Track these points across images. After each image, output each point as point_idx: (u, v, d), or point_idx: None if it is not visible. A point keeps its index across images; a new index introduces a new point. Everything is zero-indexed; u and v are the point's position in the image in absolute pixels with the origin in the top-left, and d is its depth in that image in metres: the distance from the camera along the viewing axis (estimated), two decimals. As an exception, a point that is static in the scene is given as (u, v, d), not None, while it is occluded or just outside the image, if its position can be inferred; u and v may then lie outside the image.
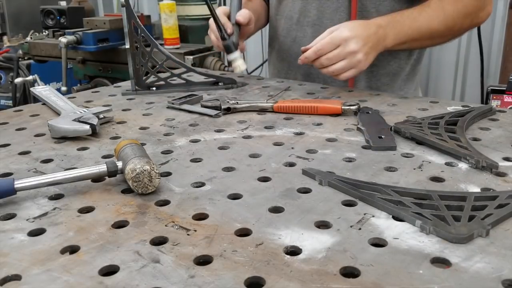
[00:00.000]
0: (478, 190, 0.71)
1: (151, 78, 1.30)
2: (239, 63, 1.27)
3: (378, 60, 1.36)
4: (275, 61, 1.55)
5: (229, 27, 1.28)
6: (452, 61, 3.34)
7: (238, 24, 1.30)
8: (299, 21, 1.40)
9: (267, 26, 1.60)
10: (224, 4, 3.68)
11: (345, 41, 1.13)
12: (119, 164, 0.73)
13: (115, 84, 1.45)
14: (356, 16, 1.30)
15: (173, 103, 1.14)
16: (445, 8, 1.22)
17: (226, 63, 2.75)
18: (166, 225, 0.62)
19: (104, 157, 0.86)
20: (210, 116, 1.08)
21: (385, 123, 0.97)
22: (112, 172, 0.73)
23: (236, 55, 1.27)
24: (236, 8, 1.32)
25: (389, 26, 1.19)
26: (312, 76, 1.43)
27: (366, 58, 1.15)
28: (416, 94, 1.49)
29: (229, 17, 1.32)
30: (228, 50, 1.27)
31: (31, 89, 1.30)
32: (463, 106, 1.09)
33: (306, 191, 0.71)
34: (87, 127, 0.94)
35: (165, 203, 0.69)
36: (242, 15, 1.29)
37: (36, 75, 3.14)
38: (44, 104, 1.19)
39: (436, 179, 0.74)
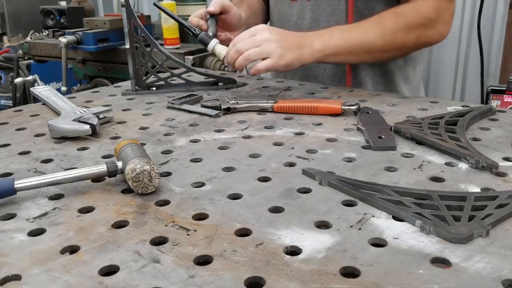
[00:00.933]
0: (478, 190, 0.71)
1: (151, 78, 1.30)
2: (218, 49, 1.24)
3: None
4: None
5: (202, 23, 1.28)
6: (452, 61, 3.34)
7: (213, 16, 1.30)
8: (297, 23, 1.41)
9: None
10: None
11: (260, 30, 1.15)
12: (119, 164, 0.73)
13: (115, 84, 1.45)
14: (352, 18, 1.30)
15: (173, 103, 1.14)
16: (383, 23, 1.18)
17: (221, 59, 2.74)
18: (166, 225, 0.62)
19: (104, 157, 0.86)
20: (210, 116, 1.08)
21: (385, 123, 0.97)
22: (112, 172, 0.73)
23: (212, 44, 1.24)
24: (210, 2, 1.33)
25: (315, 35, 1.18)
26: (309, 79, 1.43)
27: (282, 53, 1.12)
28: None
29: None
30: (203, 43, 1.26)
31: (31, 89, 1.30)
32: (463, 106, 1.10)
33: (306, 191, 0.71)
34: (87, 127, 0.94)
35: (165, 203, 0.69)
36: (213, 5, 1.29)
37: (36, 75, 3.14)
38: (44, 104, 1.19)
39: (436, 179, 0.74)
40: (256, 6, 1.52)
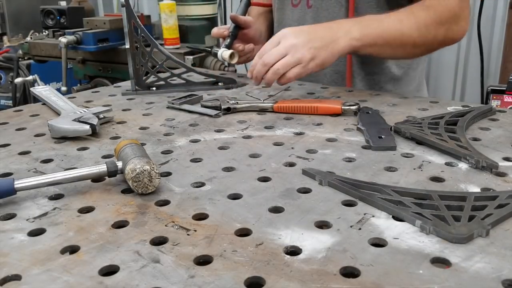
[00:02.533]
0: (478, 190, 0.71)
1: (151, 78, 1.30)
2: (223, 55, 1.30)
3: (376, 64, 1.36)
4: None
5: (223, 30, 1.36)
6: (452, 61, 3.34)
7: (235, 28, 1.35)
8: None
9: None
10: (224, 4, 3.68)
11: (283, 37, 1.08)
12: (119, 164, 0.73)
13: (115, 84, 1.45)
14: None
15: (173, 103, 1.14)
16: (416, 14, 1.14)
17: (226, 63, 2.75)
18: (166, 225, 0.62)
19: (104, 157, 0.86)
20: (210, 116, 1.08)
21: (385, 123, 0.97)
22: (112, 172, 0.73)
23: (219, 52, 1.31)
24: (240, 13, 1.40)
25: (351, 21, 1.13)
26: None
27: (313, 55, 1.06)
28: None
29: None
30: (215, 56, 1.35)
31: (31, 89, 1.30)
32: (463, 106, 1.09)
33: (306, 191, 0.71)
34: (87, 127, 0.94)
35: (165, 203, 0.69)
36: (237, 16, 1.36)
37: (36, 75, 3.14)
38: (44, 104, 1.19)
39: (436, 179, 0.74)
40: (263, 27, 1.54)
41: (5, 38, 3.93)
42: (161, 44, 2.78)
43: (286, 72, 1.08)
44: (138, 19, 1.22)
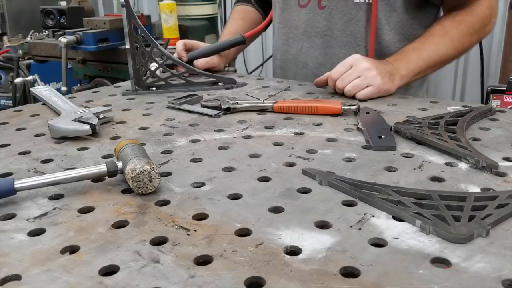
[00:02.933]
0: (478, 190, 0.71)
1: (151, 78, 1.30)
2: (152, 67, 1.30)
3: None
4: (279, 72, 1.55)
5: (183, 55, 1.43)
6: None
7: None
8: (306, 31, 1.39)
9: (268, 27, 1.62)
10: (224, 4, 3.68)
11: (357, 61, 1.17)
12: (119, 164, 0.73)
13: (115, 84, 1.45)
14: (375, 26, 1.30)
15: (173, 103, 1.14)
16: (450, 32, 1.24)
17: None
18: (166, 225, 0.62)
19: (104, 157, 0.86)
20: (210, 116, 1.08)
21: (385, 123, 0.97)
22: (112, 172, 0.73)
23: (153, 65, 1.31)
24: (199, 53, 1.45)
25: (396, 61, 1.22)
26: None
27: (382, 78, 1.17)
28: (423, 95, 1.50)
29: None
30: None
31: (31, 89, 1.30)
32: (463, 106, 1.10)
33: (306, 191, 0.71)
34: (87, 127, 0.94)
35: (165, 203, 0.69)
36: (200, 63, 1.42)
37: (36, 75, 3.13)
38: (44, 104, 1.19)
39: (436, 179, 0.74)
40: (248, 26, 1.54)
41: (5, 38, 3.92)
42: (161, 44, 2.78)
43: (358, 91, 1.17)
44: (138, 19, 1.22)
